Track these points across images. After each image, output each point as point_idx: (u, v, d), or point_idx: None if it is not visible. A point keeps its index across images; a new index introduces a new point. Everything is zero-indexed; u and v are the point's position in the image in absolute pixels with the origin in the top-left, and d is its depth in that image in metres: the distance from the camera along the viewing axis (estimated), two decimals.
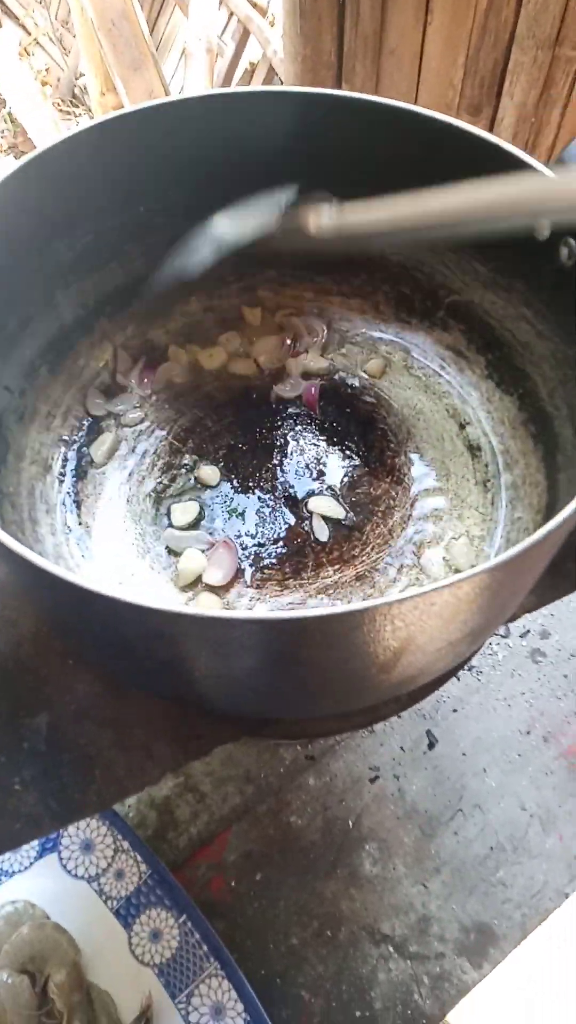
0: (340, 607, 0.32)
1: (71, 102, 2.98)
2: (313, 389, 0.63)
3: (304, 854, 0.67)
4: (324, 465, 0.60)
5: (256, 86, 0.51)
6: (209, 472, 0.58)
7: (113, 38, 2.00)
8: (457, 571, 0.53)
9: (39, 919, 0.63)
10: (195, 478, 0.59)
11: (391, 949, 0.63)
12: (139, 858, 0.65)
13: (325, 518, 0.56)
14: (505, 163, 0.50)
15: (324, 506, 0.56)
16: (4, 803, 0.45)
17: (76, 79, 2.95)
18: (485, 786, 0.70)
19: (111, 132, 0.53)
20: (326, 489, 0.58)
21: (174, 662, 0.40)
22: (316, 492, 0.58)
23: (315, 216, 0.50)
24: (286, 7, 1.19)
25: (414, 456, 0.60)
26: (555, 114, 1.14)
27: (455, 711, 0.74)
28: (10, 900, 0.64)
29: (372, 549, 0.55)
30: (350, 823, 0.69)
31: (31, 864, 0.66)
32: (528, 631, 0.78)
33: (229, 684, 0.41)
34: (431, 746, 0.72)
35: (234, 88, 0.56)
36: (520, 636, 0.78)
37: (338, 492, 0.58)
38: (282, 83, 2.18)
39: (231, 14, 2.33)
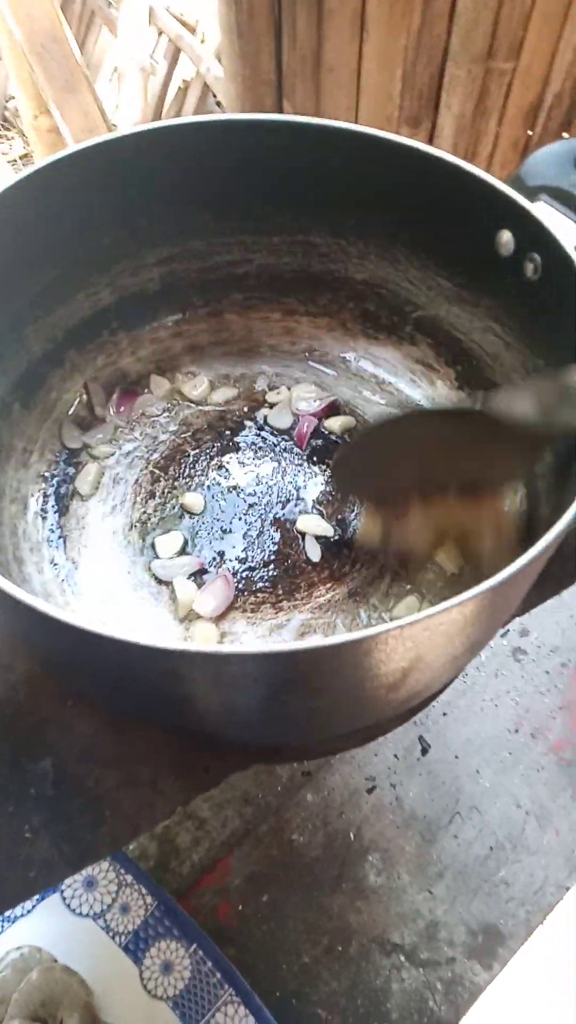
0: (354, 634, 0.32)
1: (2, 125, 2.95)
2: (306, 426, 0.63)
3: (308, 871, 0.68)
4: (307, 485, 0.60)
5: (205, 115, 0.52)
6: (193, 499, 0.58)
7: (44, 61, 1.98)
8: (453, 575, 0.54)
9: (47, 963, 0.62)
10: (180, 505, 0.59)
11: (402, 958, 0.64)
12: (144, 890, 0.64)
13: (315, 537, 0.57)
14: (449, 176, 0.52)
15: (313, 525, 0.57)
16: (16, 852, 0.44)
17: (6, 102, 2.92)
18: (480, 787, 0.71)
19: (65, 170, 0.53)
20: (312, 508, 0.59)
21: (181, 698, 0.40)
22: (302, 512, 0.58)
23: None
24: (223, 27, 1.20)
25: None
26: (492, 124, 1.17)
27: (444, 715, 0.75)
28: (15, 946, 0.62)
29: (362, 565, 0.56)
30: (351, 836, 0.69)
31: (34, 907, 0.64)
32: (508, 630, 0.80)
33: (239, 715, 0.42)
34: (424, 752, 0.73)
35: (183, 119, 0.56)
36: (501, 636, 0.79)
37: (323, 510, 0.59)
38: (217, 100, 2.19)
39: (160, 32, 2.34)
